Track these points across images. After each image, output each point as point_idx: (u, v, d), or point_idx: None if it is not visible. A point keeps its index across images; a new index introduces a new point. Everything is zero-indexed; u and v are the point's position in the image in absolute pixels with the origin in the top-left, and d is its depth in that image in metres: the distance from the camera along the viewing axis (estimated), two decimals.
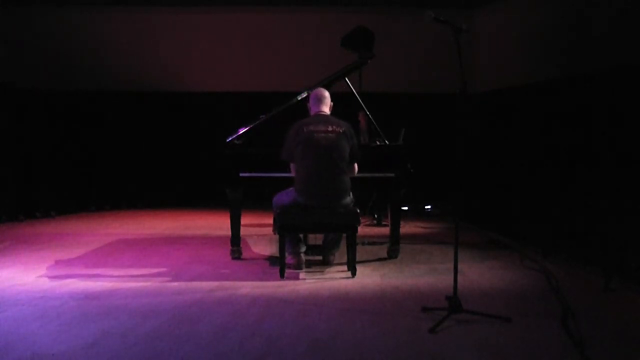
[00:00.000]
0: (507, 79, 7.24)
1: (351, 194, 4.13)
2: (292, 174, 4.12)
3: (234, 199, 4.47)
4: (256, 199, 4.98)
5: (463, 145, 3.23)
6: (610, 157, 5.15)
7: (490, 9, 7.62)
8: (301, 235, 4.30)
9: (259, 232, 5.93)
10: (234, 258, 4.56)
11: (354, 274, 4.00)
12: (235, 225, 4.53)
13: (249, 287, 3.72)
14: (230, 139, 4.50)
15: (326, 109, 4.18)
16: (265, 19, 8.03)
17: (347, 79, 4.64)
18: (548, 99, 6.37)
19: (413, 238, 5.60)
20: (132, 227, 6.36)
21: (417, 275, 4.08)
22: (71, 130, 7.89)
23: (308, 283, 3.86)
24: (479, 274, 4.10)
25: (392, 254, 4.63)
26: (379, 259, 4.60)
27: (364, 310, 3.23)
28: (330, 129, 4.01)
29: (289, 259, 4.17)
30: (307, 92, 4.47)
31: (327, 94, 4.22)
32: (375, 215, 6.58)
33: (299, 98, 4.53)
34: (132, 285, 3.78)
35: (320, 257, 4.43)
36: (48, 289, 3.65)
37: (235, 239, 4.56)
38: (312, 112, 4.19)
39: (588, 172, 5.38)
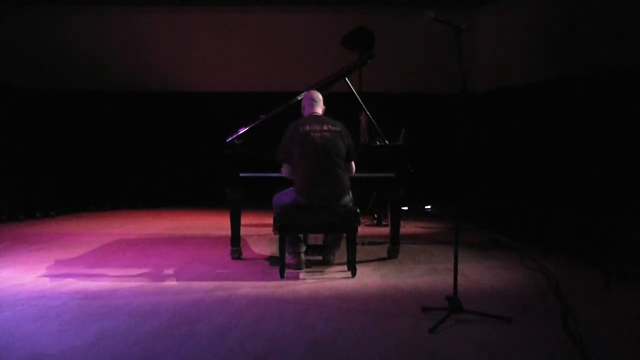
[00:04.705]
0: (507, 79, 7.24)
1: (350, 193, 4.13)
2: (285, 175, 4.12)
3: (234, 199, 4.47)
4: (256, 199, 4.98)
5: (463, 145, 3.23)
6: (610, 157, 5.15)
7: (490, 9, 7.62)
8: (301, 235, 4.30)
9: (259, 232, 5.93)
10: (234, 258, 4.56)
11: (354, 274, 4.00)
12: (235, 226, 4.53)
13: (249, 287, 3.72)
14: (230, 139, 4.50)
15: (319, 110, 4.21)
16: (265, 19, 8.03)
17: (347, 79, 4.64)
18: (548, 99, 6.37)
19: (413, 238, 5.60)
20: (132, 227, 6.36)
21: (417, 275, 4.08)
22: (71, 130, 7.90)
23: (308, 283, 3.86)
24: (479, 274, 4.10)
25: (392, 254, 4.63)
26: (379, 259, 4.60)
27: (364, 310, 3.23)
28: (325, 128, 4.03)
29: (289, 259, 4.17)
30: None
31: (320, 96, 4.25)
32: (375, 215, 6.58)
33: (299, 98, 4.53)
34: (132, 285, 3.78)
35: (320, 257, 4.43)
36: (48, 289, 3.65)
37: (235, 239, 4.56)
38: (305, 113, 4.21)
39: (588, 172, 5.38)
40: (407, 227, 6.18)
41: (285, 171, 4.11)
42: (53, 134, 7.68)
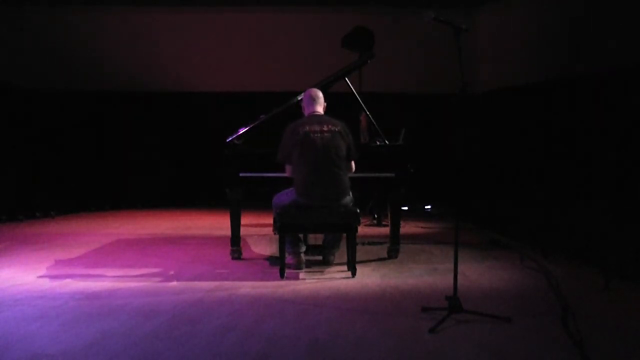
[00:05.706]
0: (507, 79, 7.24)
1: (350, 193, 4.13)
2: (289, 175, 4.12)
3: (234, 199, 4.47)
4: (256, 199, 4.98)
5: (463, 146, 3.23)
6: (610, 158, 5.15)
7: (491, 9, 7.62)
8: (301, 235, 4.30)
9: (259, 232, 5.93)
10: (234, 258, 4.56)
11: (354, 274, 4.00)
12: (235, 225, 4.53)
13: (249, 287, 3.72)
14: (230, 139, 4.50)
15: (320, 108, 4.18)
16: (265, 19, 8.03)
17: (347, 79, 4.63)
18: (548, 99, 6.37)
19: (413, 238, 5.60)
20: (132, 227, 6.36)
21: (417, 275, 4.08)
22: (71, 130, 7.89)
23: (308, 283, 3.86)
24: (479, 274, 4.10)
25: (392, 254, 4.63)
26: (379, 259, 4.60)
27: (364, 310, 3.23)
28: (325, 128, 4.01)
29: (289, 259, 4.17)
30: None
31: (320, 93, 4.22)
32: (375, 215, 6.58)
33: (299, 98, 4.53)
34: (132, 285, 3.78)
35: (320, 257, 4.43)
36: (48, 289, 3.65)
37: (235, 239, 4.56)
38: (306, 113, 4.20)
39: (588, 172, 5.38)
40: (407, 227, 6.18)
41: (288, 171, 4.11)
42: (53, 134, 7.67)
